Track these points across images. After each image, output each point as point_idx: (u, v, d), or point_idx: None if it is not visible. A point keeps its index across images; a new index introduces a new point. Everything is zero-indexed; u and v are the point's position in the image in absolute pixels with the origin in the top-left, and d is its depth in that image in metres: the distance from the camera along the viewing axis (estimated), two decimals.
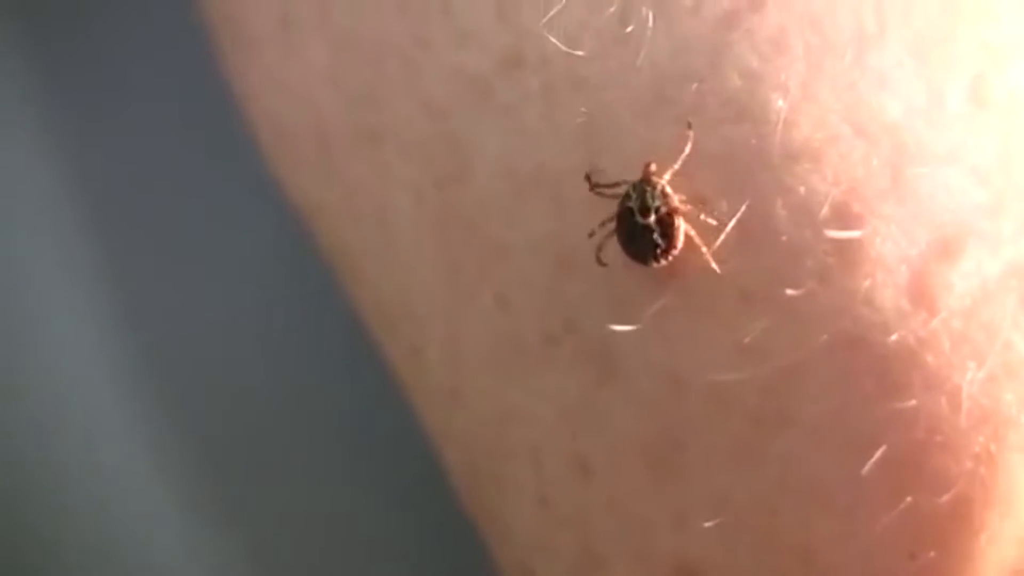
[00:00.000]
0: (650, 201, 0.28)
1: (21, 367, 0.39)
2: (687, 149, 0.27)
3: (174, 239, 0.39)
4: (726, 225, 0.27)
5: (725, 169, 0.27)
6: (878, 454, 0.27)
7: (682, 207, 0.27)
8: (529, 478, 0.29)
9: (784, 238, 0.27)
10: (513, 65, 0.28)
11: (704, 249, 0.27)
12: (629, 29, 0.27)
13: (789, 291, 0.26)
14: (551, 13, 0.27)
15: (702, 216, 0.27)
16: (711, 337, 0.27)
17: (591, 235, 0.28)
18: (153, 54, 0.39)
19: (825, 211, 0.27)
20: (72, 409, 0.39)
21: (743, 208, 0.27)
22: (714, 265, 0.27)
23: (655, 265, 0.28)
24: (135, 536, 0.39)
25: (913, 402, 0.27)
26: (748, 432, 0.27)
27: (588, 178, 0.28)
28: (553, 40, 0.28)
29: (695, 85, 0.27)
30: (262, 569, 0.39)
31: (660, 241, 0.28)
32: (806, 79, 0.27)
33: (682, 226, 0.27)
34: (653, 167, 0.27)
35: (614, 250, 0.28)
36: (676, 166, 0.27)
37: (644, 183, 0.28)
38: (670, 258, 0.28)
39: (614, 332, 0.28)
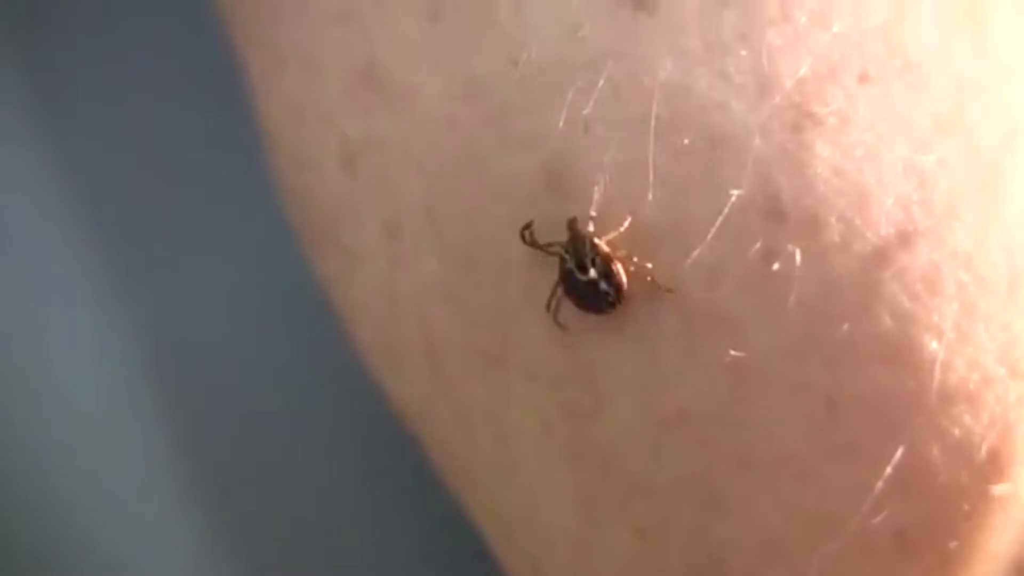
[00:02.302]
0: (585, 256, 0.27)
1: (19, 367, 0.38)
2: (596, 197, 0.27)
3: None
4: (651, 268, 0.27)
5: (879, 412, 0.26)
6: None
7: (612, 250, 0.27)
8: None
9: (941, 480, 0.27)
10: (650, 300, 0.27)
11: (649, 279, 0.27)
12: (775, 267, 0.26)
13: (951, 543, 0.26)
14: (694, 254, 0.27)
15: (635, 259, 0.27)
16: None
17: (547, 304, 0.28)
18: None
19: (982, 454, 0.26)
20: (70, 409, 0.38)
21: (899, 453, 0.26)
22: (667, 289, 0.27)
23: (611, 311, 0.27)
24: (131, 536, 0.38)
25: None
26: None
27: (524, 235, 0.27)
28: (694, 279, 0.27)
29: (846, 326, 0.26)
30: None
31: (608, 288, 0.27)
32: (959, 320, 0.26)
33: (619, 267, 0.27)
34: (579, 224, 0.27)
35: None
36: (594, 213, 0.27)
37: (573, 241, 0.27)
38: (621, 301, 0.27)
39: (767, 572, 0.27)
